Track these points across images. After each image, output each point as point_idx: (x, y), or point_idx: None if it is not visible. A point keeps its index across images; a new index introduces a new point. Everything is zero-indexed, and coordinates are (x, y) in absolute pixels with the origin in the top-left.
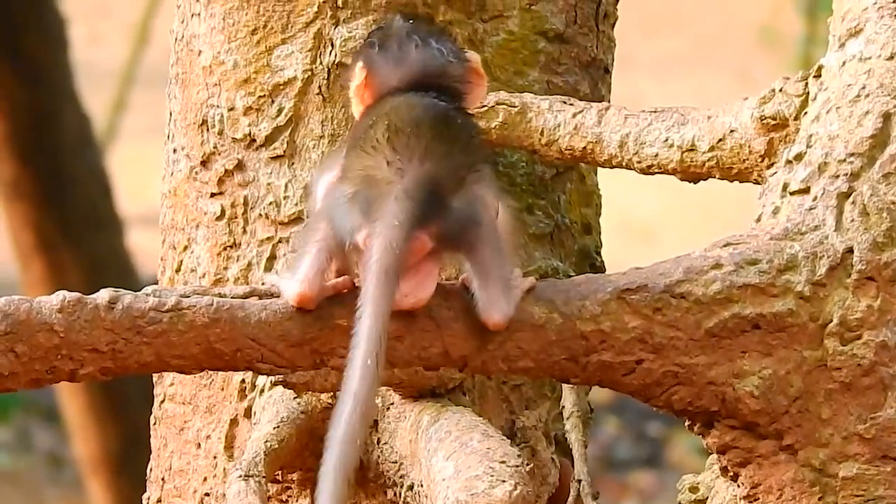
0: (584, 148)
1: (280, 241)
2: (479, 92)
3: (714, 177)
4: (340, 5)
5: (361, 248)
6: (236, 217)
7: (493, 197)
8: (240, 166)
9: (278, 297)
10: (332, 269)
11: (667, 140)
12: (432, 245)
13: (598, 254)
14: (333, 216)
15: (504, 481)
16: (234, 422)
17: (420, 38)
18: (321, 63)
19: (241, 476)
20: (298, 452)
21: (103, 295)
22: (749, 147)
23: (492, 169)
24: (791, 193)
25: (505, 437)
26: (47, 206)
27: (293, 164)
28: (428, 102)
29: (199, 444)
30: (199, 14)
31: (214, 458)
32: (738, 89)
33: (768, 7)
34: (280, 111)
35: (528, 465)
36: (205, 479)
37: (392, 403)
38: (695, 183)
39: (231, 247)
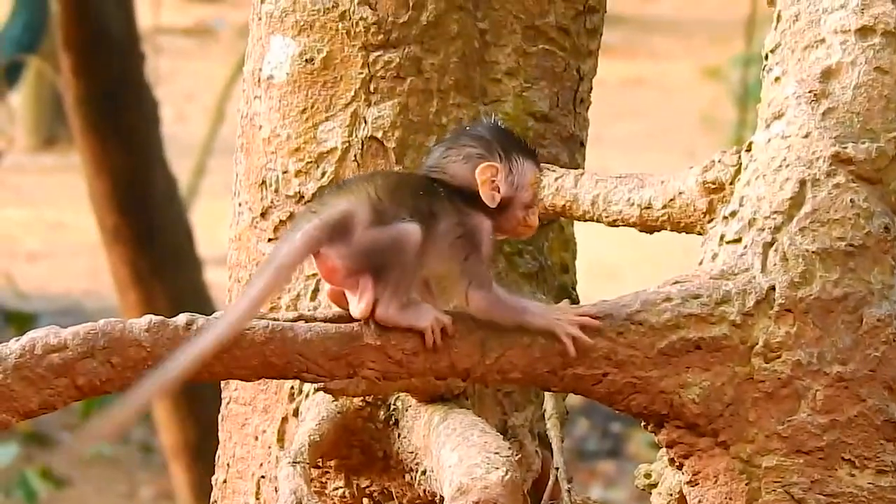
0: (563, 205)
1: None
2: (484, 191)
3: (666, 229)
4: (372, 91)
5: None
6: None
7: (410, 236)
8: (291, 217)
9: (321, 320)
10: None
11: (629, 200)
12: (341, 263)
13: (574, 289)
14: None
15: (498, 468)
16: (284, 419)
17: (453, 138)
18: (356, 136)
19: (289, 462)
20: (335, 444)
21: (181, 318)
22: (694, 206)
23: (464, 239)
24: (727, 242)
25: (499, 434)
26: (141, 248)
27: None
28: (398, 172)
29: (257, 437)
30: (260, 97)
31: (269, 448)
32: (685, 163)
33: (709, 98)
34: (324, 174)
35: (517, 455)
36: (261, 464)
37: (410, 406)
38: (651, 234)
39: None
